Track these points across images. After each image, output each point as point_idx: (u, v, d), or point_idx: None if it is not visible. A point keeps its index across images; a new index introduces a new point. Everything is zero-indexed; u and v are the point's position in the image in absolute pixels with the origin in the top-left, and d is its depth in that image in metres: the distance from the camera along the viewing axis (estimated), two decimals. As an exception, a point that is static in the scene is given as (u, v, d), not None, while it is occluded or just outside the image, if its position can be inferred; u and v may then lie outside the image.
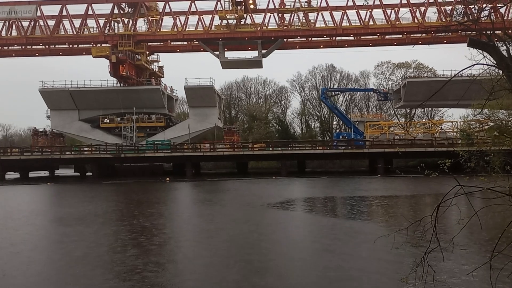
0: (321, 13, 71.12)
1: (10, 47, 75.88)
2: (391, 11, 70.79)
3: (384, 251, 13.46)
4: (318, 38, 75.71)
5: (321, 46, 77.96)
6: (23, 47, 75.50)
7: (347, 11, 70.76)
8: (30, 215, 26.42)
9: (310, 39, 75.96)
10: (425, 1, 69.43)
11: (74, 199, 36.30)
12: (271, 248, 15.94)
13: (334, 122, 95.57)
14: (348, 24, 70.90)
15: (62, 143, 77.19)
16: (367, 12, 70.61)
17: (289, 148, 65.61)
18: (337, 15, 70.90)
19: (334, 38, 75.32)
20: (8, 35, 72.16)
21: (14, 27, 71.92)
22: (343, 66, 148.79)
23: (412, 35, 73.28)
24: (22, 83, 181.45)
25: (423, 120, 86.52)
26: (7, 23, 71.88)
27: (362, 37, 75.34)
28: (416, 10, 70.41)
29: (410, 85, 72.09)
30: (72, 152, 67.37)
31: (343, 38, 75.60)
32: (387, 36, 75.44)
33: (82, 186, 53.27)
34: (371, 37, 75.31)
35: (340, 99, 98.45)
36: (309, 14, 71.42)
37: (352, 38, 75.78)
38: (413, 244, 13.39)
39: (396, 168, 47.34)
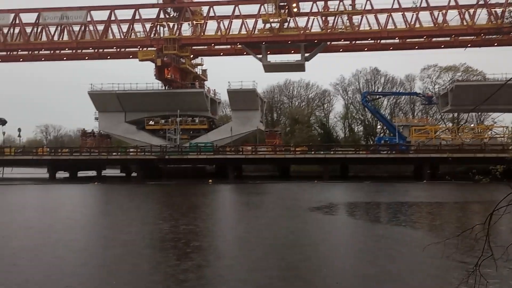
0: (366, 16, 69.93)
1: (61, 51, 79.21)
2: (439, 13, 68.69)
3: (434, 259, 13.02)
4: (362, 41, 74.57)
5: (365, 49, 76.76)
6: (74, 51, 78.57)
7: (392, 13, 69.23)
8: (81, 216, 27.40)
9: (354, 42, 74.93)
10: (475, 3, 66.99)
11: (122, 199, 37.37)
12: (312, 251, 15.78)
13: (378, 126, 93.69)
14: (393, 27, 69.37)
15: (109, 144, 79.60)
16: (413, 14, 68.83)
17: (332, 152, 64.84)
18: (382, 17, 69.53)
19: (378, 41, 73.97)
20: (60, 39, 75.31)
21: (65, 32, 75.01)
22: (387, 69, 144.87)
23: (460, 38, 70.82)
24: (72, 86, 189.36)
25: (472, 125, 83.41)
26: (59, 28, 75.06)
27: (407, 40, 73.56)
28: (465, 12, 68.03)
29: (458, 89, 69.71)
30: (119, 153, 69.32)
31: (388, 41, 74.10)
32: (434, 39, 73.30)
33: (128, 186, 54.76)
34: (417, 39, 73.38)
35: (384, 103, 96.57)
36: (353, 17, 70.38)
37: (398, 41, 74.10)
38: (464, 253, 12.90)
39: (446, 174, 45.75)
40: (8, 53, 78.94)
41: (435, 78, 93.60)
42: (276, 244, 16.95)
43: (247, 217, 25.50)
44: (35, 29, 74.69)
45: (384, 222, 23.40)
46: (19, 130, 79.87)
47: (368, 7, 69.63)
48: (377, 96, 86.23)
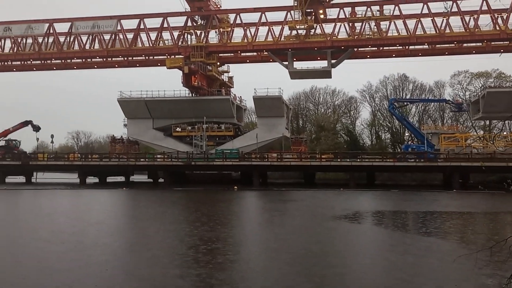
0: (394, 22, 69.10)
1: (93, 59, 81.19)
2: (470, 18, 67.29)
3: (465, 271, 12.66)
4: (390, 47, 73.64)
5: (393, 55, 75.74)
6: (104, 59, 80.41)
7: (421, 19, 68.22)
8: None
9: (381, 48, 74.10)
10: (508, 7, 65.32)
11: (151, 205, 37.90)
12: (338, 261, 15.59)
13: (406, 134, 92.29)
14: (422, 33, 68.34)
15: (137, 150, 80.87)
16: (443, 19, 67.65)
17: (358, 160, 64.08)
18: (411, 23, 68.57)
19: (407, 47, 72.92)
20: (92, 48, 77.25)
21: (96, 41, 76.87)
22: (416, 75, 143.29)
23: (493, 43, 69.16)
24: (102, 93, 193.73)
25: (505, 133, 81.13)
26: (90, 37, 77.03)
27: (437, 45, 72.29)
28: (497, 16, 66.41)
29: (489, 96, 67.91)
30: (146, 159, 70.34)
31: (417, 47, 72.94)
32: (465, 45, 71.78)
33: (155, 192, 55.46)
34: (448, 45, 72.01)
35: (412, 110, 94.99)
36: (381, 23, 69.70)
37: (427, 47, 72.86)
38: (497, 266, 12.49)
39: (477, 183, 44.41)
40: (43, 62, 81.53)
41: (465, 84, 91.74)
42: (302, 253, 16.83)
43: (273, 224, 25.42)
44: (68, 38, 76.89)
45: (413, 232, 22.92)
46: (52, 136, 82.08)
47: (397, 12, 68.76)
48: (405, 103, 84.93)
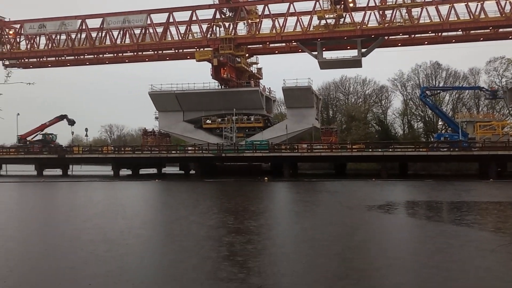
0: (426, 8, 67.51)
1: (123, 54, 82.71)
2: (506, 2, 64.99)
3: (505, 261, 12.42)
4: (422, 35, 72.07)
5: (425, 42, 74.07)
6: (135, 53, 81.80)
7: (455, 4, 66.32)
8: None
9: (413, 36, 72.57)
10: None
11: (184, 196, 38.55)
12: (376, 251, 15.54)
13: (440, 123, 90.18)
14: (456, 19, 66.47)
15: (169, 143, 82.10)
16: (477, 4, 65.59)
17: (390, 150, 63.18)
18: (444, 9, 66.80)
19: (440, 34, 71.15)
20: (122, 42, 78.65)
21: (127, 35, 78.21)
22: (449, 63, 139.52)
23: (531, 27, 66.74)
24: (133, 87, 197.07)
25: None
26: (121, 31, 78.40)
27: (472, 31, 70.20)
28: (536, -1, 63.91)
29: (528, 82, 65.65)
30: (178, 151, 71.35)
31: (450, 33, 71.12)
32: (500, 30, 69.42)
33: (187, 183, 56.29)
34: (482, 31, 69.84)
35: (446, 98, 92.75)
36: (413, 9, 68.16)
37: (461, 33, 70.92)
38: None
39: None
40: (76, 57, 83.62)
41: (502, 71, 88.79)
42: (339, 244, 16.85)
43: (308, 215, 25.45)
44: (100, 33, 78.53)
45: (449, 222, 22.53)
46: (86, 130, 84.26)
47: (429, -2, 67.14)
48: (437, 91, 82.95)
